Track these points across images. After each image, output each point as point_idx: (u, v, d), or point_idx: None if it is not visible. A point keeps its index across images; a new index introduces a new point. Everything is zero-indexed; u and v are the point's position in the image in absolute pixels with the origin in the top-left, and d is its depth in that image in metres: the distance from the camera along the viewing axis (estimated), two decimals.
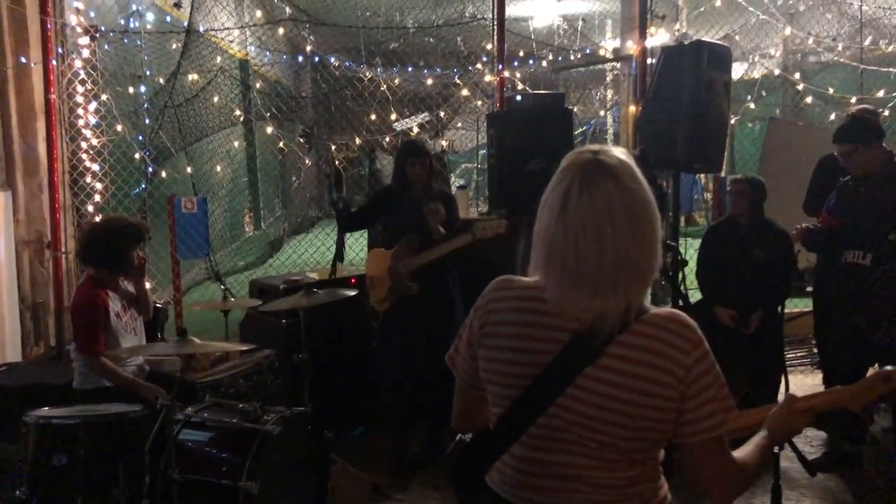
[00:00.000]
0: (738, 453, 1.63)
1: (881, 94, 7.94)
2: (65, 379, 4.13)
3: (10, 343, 5.62)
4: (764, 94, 9.63)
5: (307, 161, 11.41)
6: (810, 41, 8.82)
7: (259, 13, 9.59)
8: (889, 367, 1.80)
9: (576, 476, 1.56)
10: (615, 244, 1.49)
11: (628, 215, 1.51)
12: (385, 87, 8.51)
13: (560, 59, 9.21)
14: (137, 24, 7.18)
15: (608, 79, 13.63)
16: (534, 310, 1.59)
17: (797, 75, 8.89)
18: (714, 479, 1.58)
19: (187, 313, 6.20)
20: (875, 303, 3.79)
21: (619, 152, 1.60)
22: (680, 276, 5.85)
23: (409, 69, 9.20)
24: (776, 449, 1.83)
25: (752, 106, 9.07)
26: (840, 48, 8.78)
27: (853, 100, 7.68)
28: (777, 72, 8.98)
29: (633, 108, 6.79)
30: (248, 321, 5.22)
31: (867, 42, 8.88)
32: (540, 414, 1.56)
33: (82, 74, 6.24)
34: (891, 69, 8.00)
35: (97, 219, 5.86)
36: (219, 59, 8.62)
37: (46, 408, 3.34)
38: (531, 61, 9.07)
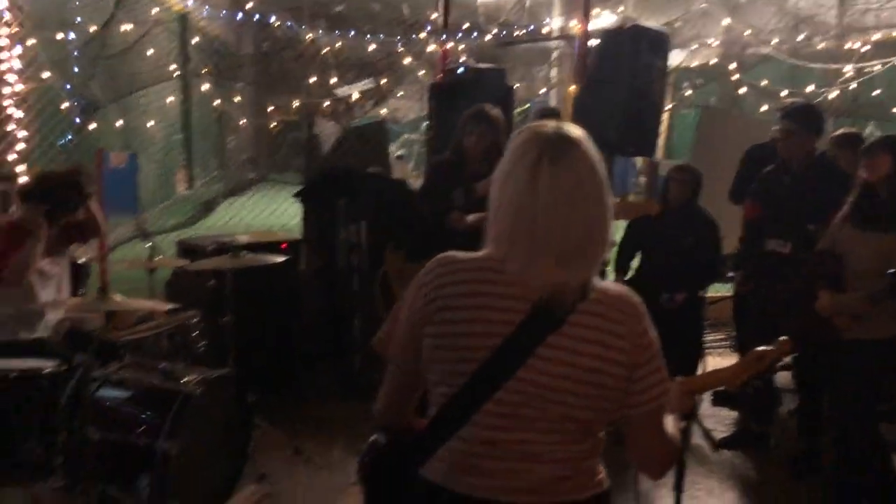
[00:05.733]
0: None
1: (811, 88, 8.18)
2: None
3: None
4: (699, 82, 9.81)
5: (241, 121, 11.11)
6: (747, 33, 9.01)
7: None
8: (762, 348, 1.92)
9: (534, 453, 1.55)
10: (583, 215, 1.51)
11: (594, 187, 1.53)
12: (326, 50, 8.35)
13: (504, 33, 9.19)
14: None
15: (553, 57, 13.64)
16: (489, 280, 1.56)
17: (732, 66, 9.07)
18: (656, 448, 1.63)
19: (113, 271, 6.04)
20: (789, 289, 3.92)
21: (576, 127, 1.61)
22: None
23: (352, 33, 9.03)
24: (682, 424, 1.91)
25: (689, 93, 9.24)
26: (775, 42, 8.98)
27: (784, 93, 7.90)
28: (713, 61, 9.15)
29: (573, 88, 6.84)
30: (175, 281, 5.11)
31: (801, 37, 9.10)
32: (498, 388, 1.52)
33: (8, 16, 5.95)
34: (828, 65, 8.20)
35: (19, 168, 5.65)
36: (155, 10, 8.32)
37: None
38: (474, 34, 9.02)
